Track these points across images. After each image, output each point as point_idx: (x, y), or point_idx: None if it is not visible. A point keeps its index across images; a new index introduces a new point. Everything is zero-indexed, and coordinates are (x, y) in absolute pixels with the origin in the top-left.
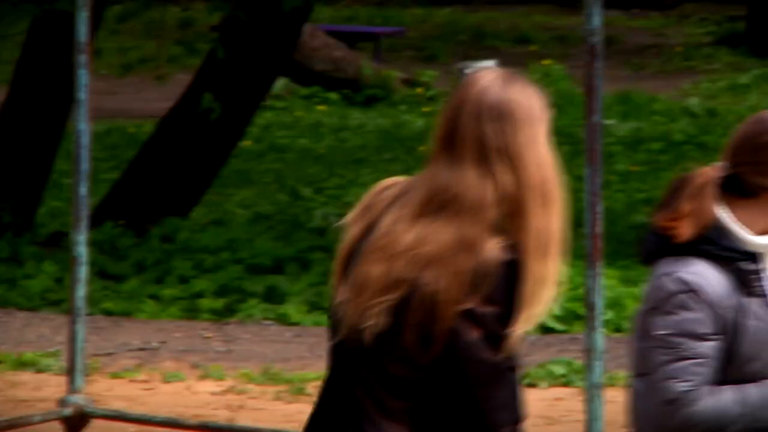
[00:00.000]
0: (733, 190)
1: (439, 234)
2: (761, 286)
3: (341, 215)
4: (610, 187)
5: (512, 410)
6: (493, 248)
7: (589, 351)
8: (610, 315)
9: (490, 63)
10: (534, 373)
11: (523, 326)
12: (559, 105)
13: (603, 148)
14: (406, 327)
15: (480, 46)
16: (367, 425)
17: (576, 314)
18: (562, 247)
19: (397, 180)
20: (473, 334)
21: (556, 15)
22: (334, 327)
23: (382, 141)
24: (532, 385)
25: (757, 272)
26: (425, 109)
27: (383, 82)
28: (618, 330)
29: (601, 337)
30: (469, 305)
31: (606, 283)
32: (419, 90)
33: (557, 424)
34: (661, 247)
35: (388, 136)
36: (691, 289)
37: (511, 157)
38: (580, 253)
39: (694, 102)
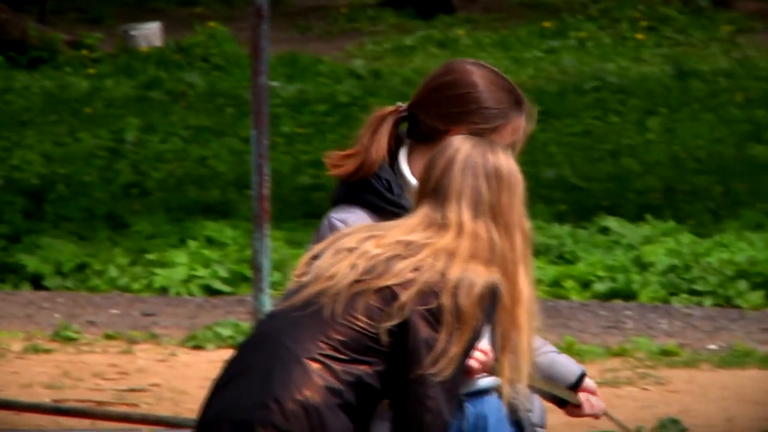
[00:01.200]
0: (415, 136)
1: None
2: None
3: (6, 177)
4: (276, 148)
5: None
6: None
7: (256, 312)
8: (276, 276)
9: (154, 25)
10: (201, 335)
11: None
12: (225, 67)
13: (269, 110)
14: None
15: (145, 8)
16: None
17: (243, 276)
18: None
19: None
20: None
21: None
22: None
23: (47, 103)
24: (198, 347)
25: None
26: (90, 71)
27: (48, 44)
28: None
29: (268, 299)
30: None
31: (272, 245)
32: (84, 52)
33: None
34: (339, 192)
35: (53, 99)
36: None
37: (504, 217)
38: (246, 215)
39: (358, 64)
